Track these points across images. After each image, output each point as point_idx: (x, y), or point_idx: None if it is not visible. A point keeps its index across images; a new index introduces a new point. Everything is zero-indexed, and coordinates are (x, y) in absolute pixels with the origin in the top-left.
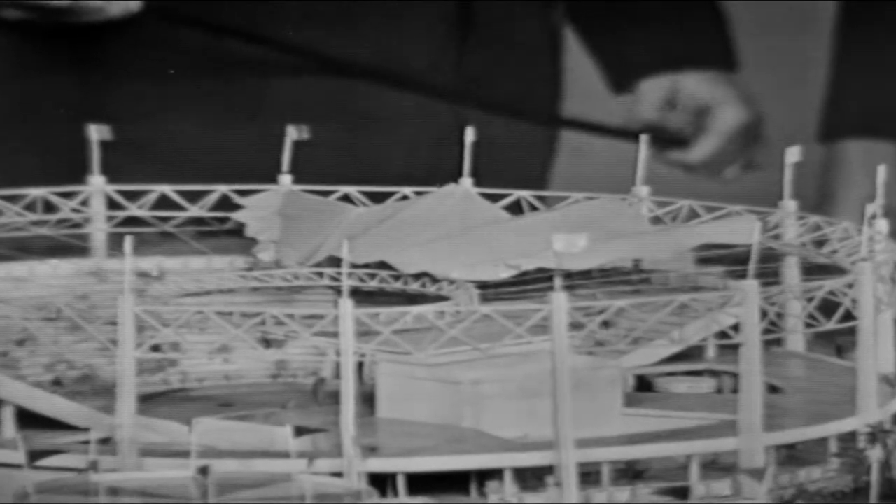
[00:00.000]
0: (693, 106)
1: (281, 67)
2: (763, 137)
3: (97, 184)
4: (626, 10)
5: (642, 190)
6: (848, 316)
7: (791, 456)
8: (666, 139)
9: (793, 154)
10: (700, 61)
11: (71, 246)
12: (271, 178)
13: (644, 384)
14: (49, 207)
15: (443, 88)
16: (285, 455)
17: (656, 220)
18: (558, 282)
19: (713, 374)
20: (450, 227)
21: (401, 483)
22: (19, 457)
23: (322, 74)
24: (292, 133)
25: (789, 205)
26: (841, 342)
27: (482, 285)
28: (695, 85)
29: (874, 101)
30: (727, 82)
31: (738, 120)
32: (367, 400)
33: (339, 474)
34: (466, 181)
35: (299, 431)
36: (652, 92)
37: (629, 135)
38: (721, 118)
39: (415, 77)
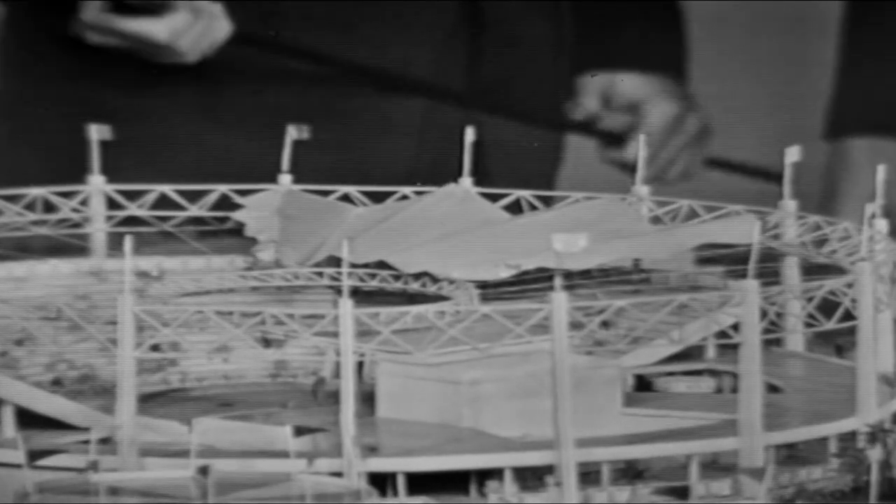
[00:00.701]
0: (626, 104)
1: (296, 76)
2: (707, 140)
3: (97, 183)
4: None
5: (642, 190)
6: (848, 316)
7: (791, 455)
8: (605, 137)
9: (792, 154)
10: (645, 65)
11: (71, 246)
12: (271, 177)
13: (644, 384)
14: (49, 207)
15: (453, 94)
16: (285, 455)
17: (656, 219)
18: (558, 281)
19: (713, 373)
20: (450, 226)
21: (401, 483)
22: (19, 456)
23: (345, 83)
24: (292, 132)
25: (789, 205)
26: (841, 342)
27: (482, 285)
28: (628, 82)
29: (881, 99)
30: (660, 81)
31: (666, 116)
32: (367, 399)
33: (339, 474)
34: (466, 181)
35: (299, 431)
36: (588, 87)
37: (615, 138)
38: (650, 115)
39: (428, 83)
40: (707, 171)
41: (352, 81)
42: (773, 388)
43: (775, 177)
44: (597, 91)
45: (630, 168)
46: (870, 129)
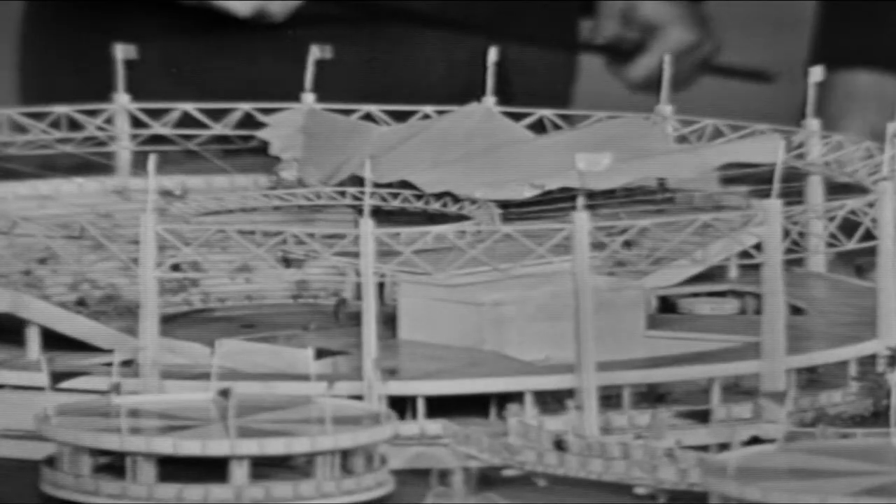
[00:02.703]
0: (644, 24)
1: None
2: (716, 57)
3: (122, 102)
4: None
5: (666, 109)
6: (868, 235)
7: (812, 379)
8: (617, 54)
9: (816, 73)
10: None
11: (96, 164)
12: (294, 96)
13: (667, 305)
14: (74, 125)
15: (468, 23)
16: (306, 378)
17: (681, 139)
18: (581, 201)
19: (736, 294)
20: (472, 146)
21: (420, 406)
22: (41, 379)
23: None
24: (315, 52)
25: (813, 124)
26: (861, 262)
27: (504, 205)
28: (649, 5)
29: (870, 32)
30: (680, 5)
31: (681, 41)
32: (389, 321)
33: (359, 397)
34: (489, 100)
35: (320, 354)
36: (610, 9)
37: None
38: (665, 38)
39: (441, 14)
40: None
41: (376, 19)
42: (796, 310)
43: (768, 78)
44: (616, 12)
45: (638, 86)
46: (860, 62)
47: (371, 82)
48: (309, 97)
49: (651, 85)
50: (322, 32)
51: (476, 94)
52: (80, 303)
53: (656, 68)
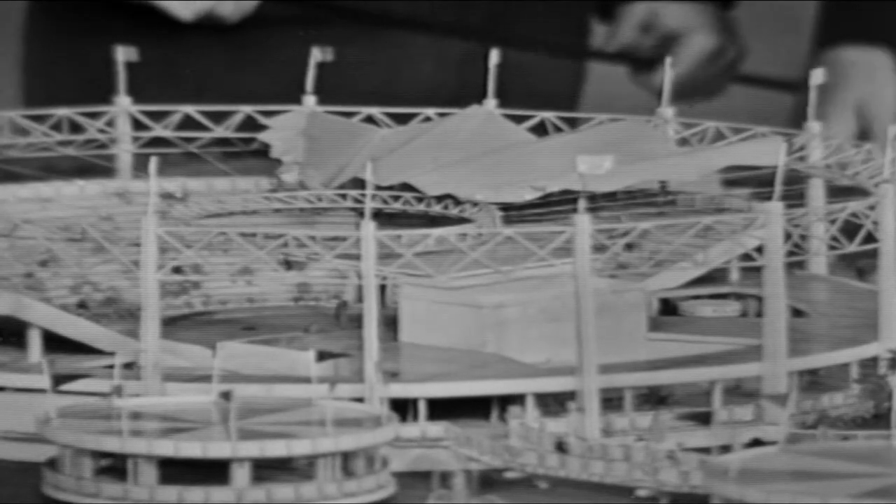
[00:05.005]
0: (666, 31)
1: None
2: (741, 63)
3: (123, 104)
4: None
5: (667, 111)
6: (870, 238)
7: (813, 382)
8: (639, 62)
9: (817, 76)
10: None
11: (97, 166)
12: (296, 99)
13: (669, 307)
14: (75, 127)
15: (470, 29)
16: (307, 380)
17: (683, 141)
18: (582, 203)
19: (738, 297)
20: (474, 148)
21: (422, 408)
22: (43, 381)
23: (355, 26)
24: (316, 54)
25: (814, 126)
26: (862, 265)
27: (505, 207)
28: (672, 12)
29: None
30: (705, 11)
31: (705, 48)
32: (391, 324)
33: (360, 399)
34: (490, 102)
35: (322, 356)
36: (630, 16)
37: (645, 64)
38: (688, 45)
39: (448, 24)
40: (730, 86)
41: (377, 25)
42: (797, 312)
43: (797, 87)
44: (637, 20)
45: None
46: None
47: (357, 84)
48: (310, 100)
49: (677, 92)
50: (285, 35)
51: (471, 96)
52: (82, 305)
53: (681, 76)
